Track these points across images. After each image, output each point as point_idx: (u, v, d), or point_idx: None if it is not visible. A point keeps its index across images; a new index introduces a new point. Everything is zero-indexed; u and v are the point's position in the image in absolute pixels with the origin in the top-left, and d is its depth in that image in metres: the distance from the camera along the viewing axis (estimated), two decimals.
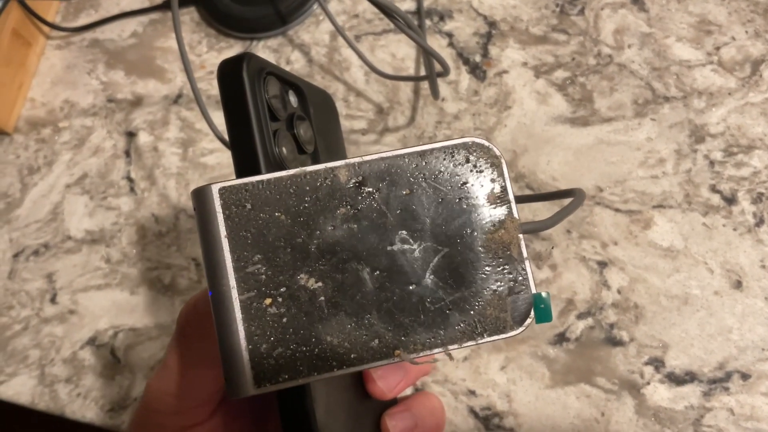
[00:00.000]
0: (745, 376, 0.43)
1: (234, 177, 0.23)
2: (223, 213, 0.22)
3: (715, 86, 0.50)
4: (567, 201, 0.26)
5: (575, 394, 0.44)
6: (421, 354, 0.22)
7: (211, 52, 0.58)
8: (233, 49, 0.57)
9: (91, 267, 0.52)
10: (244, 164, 0.26)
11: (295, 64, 0.56)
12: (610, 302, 0.45)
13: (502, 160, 0.24)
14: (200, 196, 0.22)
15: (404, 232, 0.23)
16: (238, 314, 0.21)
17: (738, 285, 0.45)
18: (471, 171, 0.24)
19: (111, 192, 0.54)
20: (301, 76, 0.33)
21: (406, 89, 0.53)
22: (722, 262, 0.45)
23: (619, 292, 0.45)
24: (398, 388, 0.33)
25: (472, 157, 0.24)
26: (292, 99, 0.31)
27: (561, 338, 0.45)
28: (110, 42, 0.60)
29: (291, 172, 0.23)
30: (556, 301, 0.46)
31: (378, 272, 0.22)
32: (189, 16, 0.60)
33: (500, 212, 0.24)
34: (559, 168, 0.49)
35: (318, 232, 0.22)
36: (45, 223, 0.54)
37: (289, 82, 0.31)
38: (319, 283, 0.22)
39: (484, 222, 0.23)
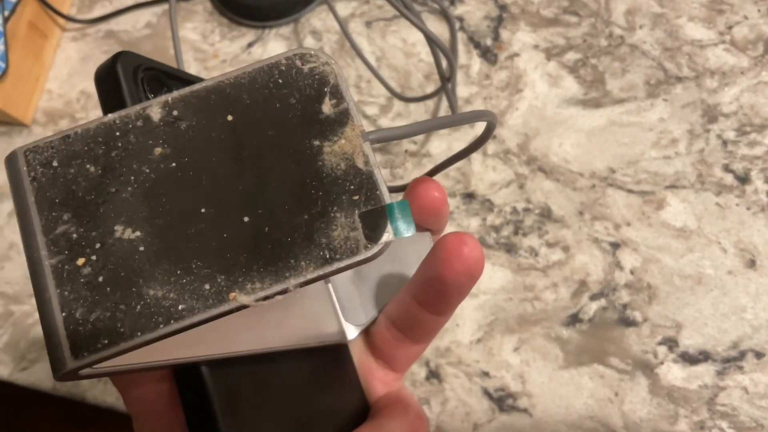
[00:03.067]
0: (759, 355, 0.43)
1: None
2: (29, 175, 0.20)
3: (727, 65, 0.50)
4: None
5: (589, 374, 0.44)
6: (262, 294, 0.19)
7: (224, 41, 0.58)
8: (245, 37, 0.58)
9: None
10: None
11: None
12: (623, 283, 0.45)
13: (334, 66, 0.21)
14: (7, 162, 0.20)
15: (232, 161, 0.20)
16: (50, 280, 0.19)
17: (751, 264, 0.44)
18: (300, 83, 0.21)
19: None
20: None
21: (417, 75, 0.54)
22: (735, 241, 0.45)
23: (632, 272, 0.45)
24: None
25: (299, 69, 0.21)
26: None
27: (574, 319, 0.45)
28: (125, 33, 0.61)
29: (99, 120, 0.20)
30: (569, 283, 0.46)
31: (205, 210, 0.20)
32: (202, 5, 0.60)
33: (338, 121, 0.21)
34: (572, 150, 0.49)
35: (133, 177, 0.20)
36: None
37: (183, 80, 0.28)
38: (137, 233, 0.19)
39: (321, 135, 0.21)
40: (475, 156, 0.50)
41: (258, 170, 0.20)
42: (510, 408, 0.44)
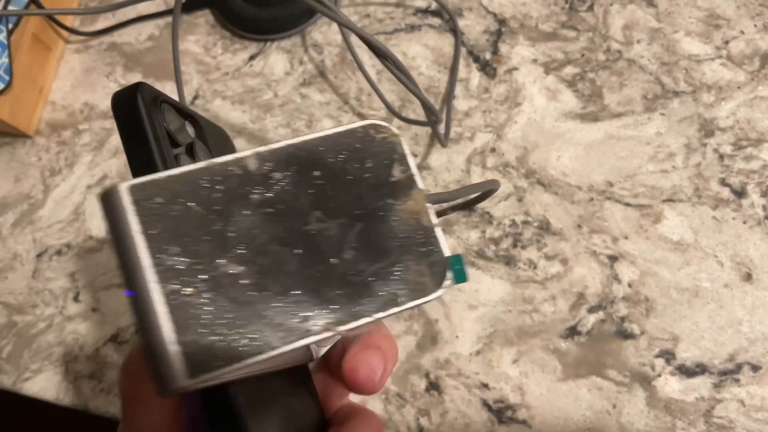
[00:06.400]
0: (755, 368, 0.43)
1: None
2: (135, 209, 0.21)
3: (724, 80, 0.50)
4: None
5: (587, 386, 0.44)
6: (350, 325, 0.22)
7: (226, 54, 0.59)
8: (247, 50, 0.58)
9: (112, 265, 0.53)
10: None
11: (307, 64, 0.57)
12: (620, 296, 0.46)
13: (401, 139, 0.25)
14: (108, 197, 0.21)
15: (319, 211, 0.23)
16: (161, 308, 0.20)
17: (748, 277, 0.45)
18: (374, 150, 0.25)
19: None
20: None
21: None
22: (732, 254, 0.46)
23: (629, 285, 0.46)
24: (383, 378, 0.30)
25: (373, 137, 0.25)
26: (189, 129, 0.31)
27: (572, 332, 0.45)
28: (128, 45, 0.61)
29: (200, 164, 0.23)
30: (568, 295, 0.46)
31: (299, 251, 0.23)
32: (204, 18, 0.61)
33: (406, 185, 0.25)
34: (570, 163, 0.50)
35: (234, 218, 0.22)
36: (67, 223, 0.55)
37: (184, 113, 0.31)
38: (241, 267, 0.22)
39: (393, 195, 0.25)
40: (475, 169, 0.50)
41: (341, 219, 0.24)
42: (509, 419, 0.44)
